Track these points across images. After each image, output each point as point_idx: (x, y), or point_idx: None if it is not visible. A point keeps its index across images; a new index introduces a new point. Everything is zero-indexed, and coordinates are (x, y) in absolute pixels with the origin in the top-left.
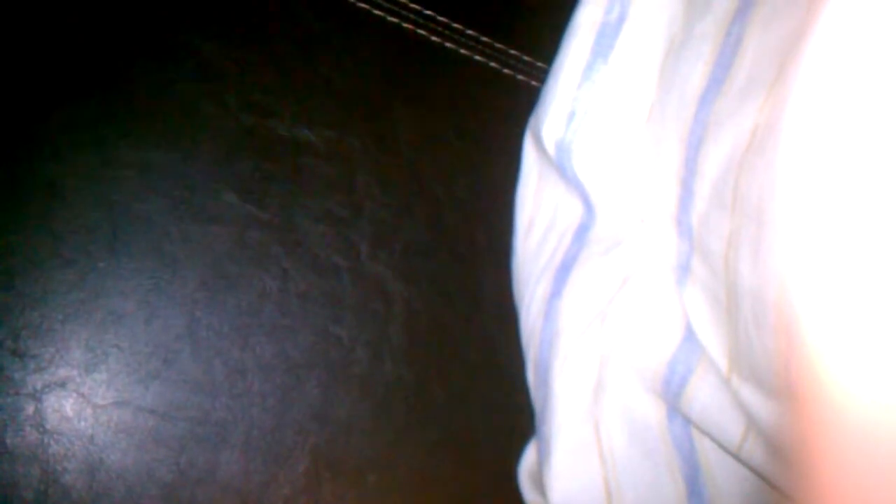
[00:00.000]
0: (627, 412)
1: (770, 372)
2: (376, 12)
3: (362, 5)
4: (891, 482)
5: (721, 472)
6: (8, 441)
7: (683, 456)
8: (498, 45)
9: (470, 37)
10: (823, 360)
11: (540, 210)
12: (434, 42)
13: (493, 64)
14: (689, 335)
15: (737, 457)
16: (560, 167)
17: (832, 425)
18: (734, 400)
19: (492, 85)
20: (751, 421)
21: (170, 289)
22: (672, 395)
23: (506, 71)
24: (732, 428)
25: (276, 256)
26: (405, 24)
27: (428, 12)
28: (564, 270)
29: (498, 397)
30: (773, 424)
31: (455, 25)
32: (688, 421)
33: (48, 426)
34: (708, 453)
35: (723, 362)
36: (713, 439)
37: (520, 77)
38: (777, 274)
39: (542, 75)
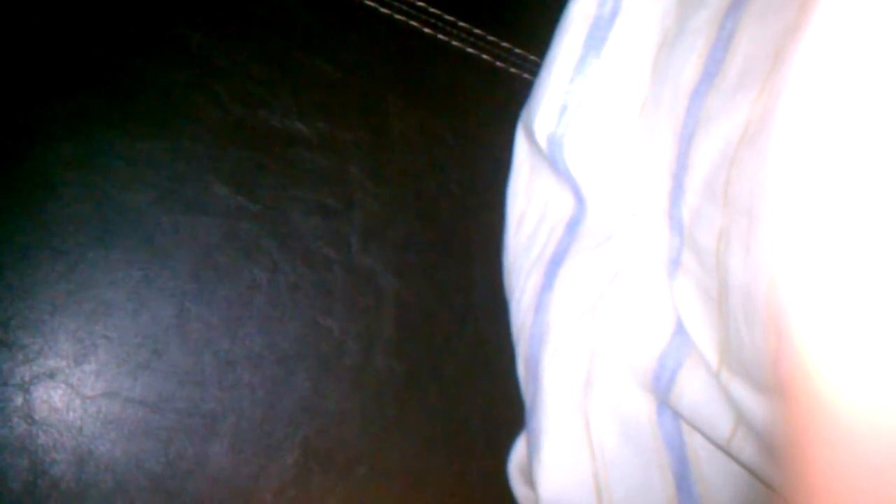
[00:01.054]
0: (617, 407)
1: (760, 367)
2: (368, 3)
3: None
4: (880, 479)
5: (710, 468)
6: None
7: (673, 451)
8: (490, 38)
9: (462, 29)
10: (813, 355)
11: (531, 203)
12: (426, 34)
13: (485, 56)
14: (680, 330)
15: (726, 451)
16: (552, 161)
17: (821, 421)
18: (724, 395)
19: (484, 78)
20: (740, 416)
21: (159, 280)
22: (662, 389)
23: (498, 63)
24: (722, 423)
25: (267, 248)
26: (397, 16)
27: (420, 4)
28: (555, 264)
29: (489, 391)
30: (762, 419)
31: (447, 17)
32: (677, 416)
33: (37, 417)
34: (697, 449)
35: (713, 357)
36: (703, 434)
37: (512, 70)
38: (768, 269)
39: (534, 68)
